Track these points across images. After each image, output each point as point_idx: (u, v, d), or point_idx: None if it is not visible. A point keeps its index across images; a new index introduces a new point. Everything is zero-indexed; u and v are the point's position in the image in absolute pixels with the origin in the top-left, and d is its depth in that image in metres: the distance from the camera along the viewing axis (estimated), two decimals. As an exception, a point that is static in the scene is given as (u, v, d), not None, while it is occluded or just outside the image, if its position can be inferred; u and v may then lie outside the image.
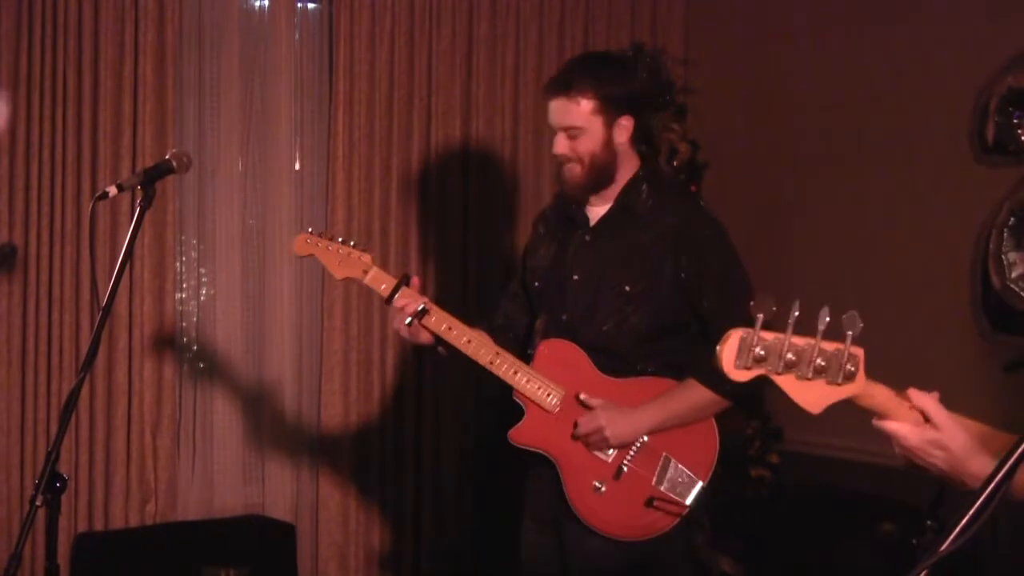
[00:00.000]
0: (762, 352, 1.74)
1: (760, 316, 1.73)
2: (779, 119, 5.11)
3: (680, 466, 3.25)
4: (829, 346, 1.78)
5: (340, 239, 3.40)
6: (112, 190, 2.94)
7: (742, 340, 1.74)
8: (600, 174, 3.27)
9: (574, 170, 3.26)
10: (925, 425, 1.89)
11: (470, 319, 3.40)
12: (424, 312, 3.28)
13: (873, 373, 1.81)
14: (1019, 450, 1.63)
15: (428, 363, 4.90)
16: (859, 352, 1.80)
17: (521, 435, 3.30)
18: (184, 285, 4.75)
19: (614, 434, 3.21)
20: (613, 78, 3.26)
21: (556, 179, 3.42)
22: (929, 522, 3.56)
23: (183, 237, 4.72)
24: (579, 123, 3.21)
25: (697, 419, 3.27)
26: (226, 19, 4.77)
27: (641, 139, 3.36)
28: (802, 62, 5.01)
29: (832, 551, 4.22)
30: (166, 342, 4.57)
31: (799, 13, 5.04)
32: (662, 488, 3.24)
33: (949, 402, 1.91)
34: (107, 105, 4.45)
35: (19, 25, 4.33)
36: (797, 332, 1.75)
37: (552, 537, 3.38)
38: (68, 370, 4.39)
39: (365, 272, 3.34)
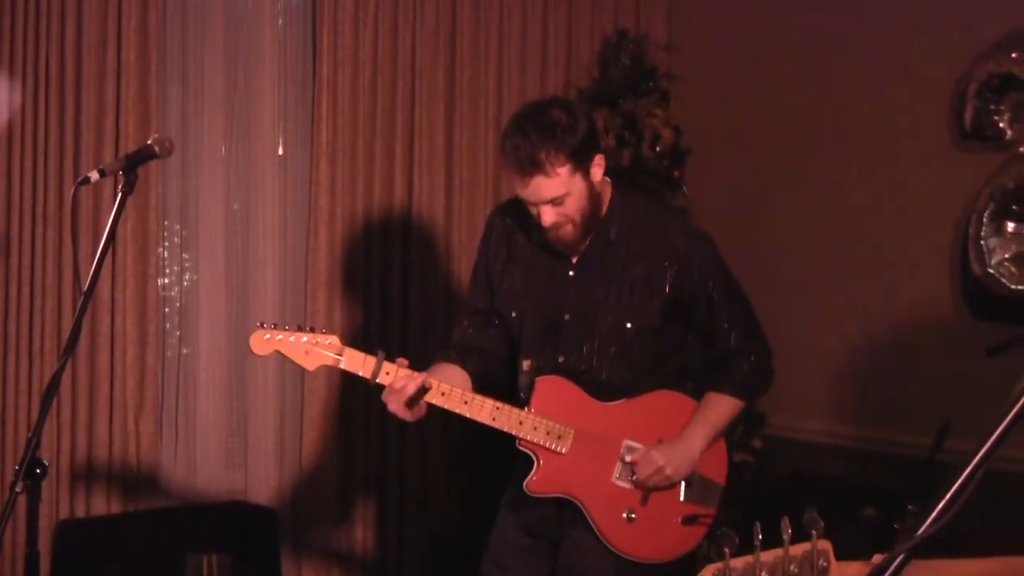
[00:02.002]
0: None
1: (727, 550, 1.72)
2: (761, 105, 5.13)
3: (702, 476, 3.26)
4: (797, 550, 1.79)
5: (298, 326, 3.18)
6: (94, 175, 2.92)
7: None
8: (592, 219, 3.20)
9: (567, 229, 3.17)
10: None
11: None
12: (426, 390, 3.12)
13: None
14: (1007, 420, 1.64)
15: (413, 349, 4.89)
16: (827, 546, 1.82)
17: (539, 485, 3.23)
18: (167, 270, 4.74)
19: (676, 468, 3.20)
20: (570, 130, 3.07)
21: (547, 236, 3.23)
22: (910, 506, 3.57)
23: (166, 222, 4.71)
24: (562, 191, 3.09)
25: (728, 427, 3.32)
26: (209, 4, 4.76)
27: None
28: (784, 48, 5.03)
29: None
30: (149, 327, 4.55)
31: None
32: (692, 502, 3.25)
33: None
34: (90, 90, 4.42)
35: (0, 9, 4.30)
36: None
37: (545, 548, 3.35)
38: (50, 355, 4.36)
39: (338, 356, 3.13)
